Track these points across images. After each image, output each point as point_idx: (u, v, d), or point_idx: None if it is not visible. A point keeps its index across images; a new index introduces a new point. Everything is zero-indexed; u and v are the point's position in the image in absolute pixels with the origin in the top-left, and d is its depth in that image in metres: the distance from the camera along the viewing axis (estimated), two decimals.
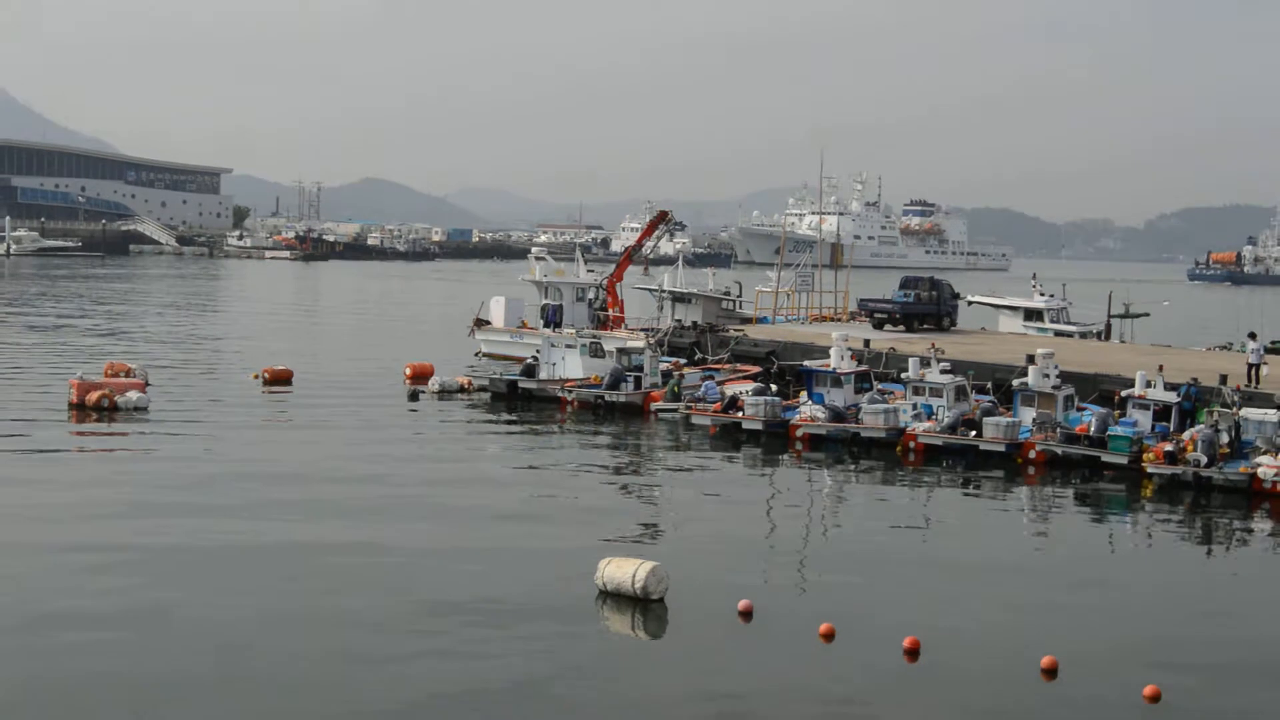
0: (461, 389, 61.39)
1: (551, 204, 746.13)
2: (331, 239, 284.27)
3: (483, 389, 61.32)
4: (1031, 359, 52.71)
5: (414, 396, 60.30)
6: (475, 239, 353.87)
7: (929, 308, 76.69)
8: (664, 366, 61.25)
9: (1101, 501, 43.67)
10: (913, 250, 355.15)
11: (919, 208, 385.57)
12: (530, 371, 62.33)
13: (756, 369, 62.82)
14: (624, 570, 28.84)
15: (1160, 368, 51.76)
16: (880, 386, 54.99)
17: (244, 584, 29.13)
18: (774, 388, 56.55)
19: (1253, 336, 57.06)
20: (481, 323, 78.13)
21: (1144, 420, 49.19)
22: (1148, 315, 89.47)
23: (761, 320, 79.80)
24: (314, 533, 34.09)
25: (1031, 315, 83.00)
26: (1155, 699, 23.86)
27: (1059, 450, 47.49)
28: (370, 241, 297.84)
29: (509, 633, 26.34)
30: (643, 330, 73.03)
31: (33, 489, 38.18)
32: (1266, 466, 43.33)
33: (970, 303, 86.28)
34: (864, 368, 57.01)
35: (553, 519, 37.05)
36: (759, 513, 40.18)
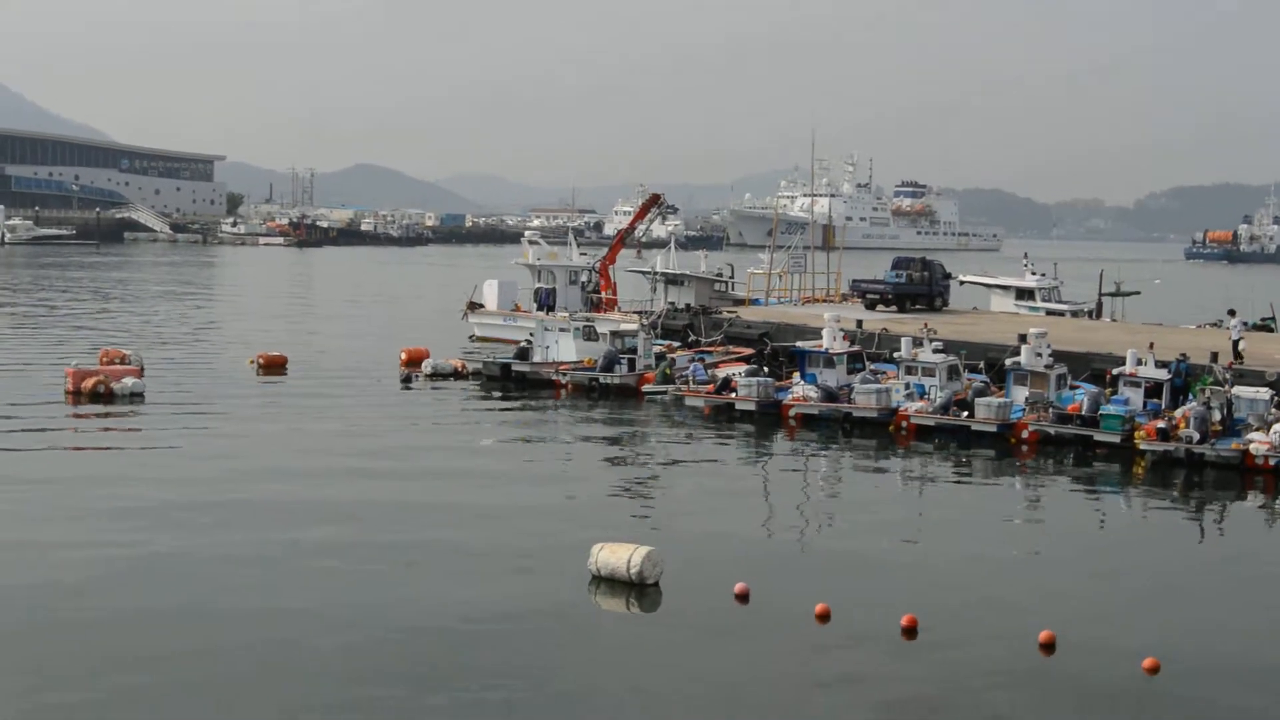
0: (455, 373, 61.48)
1: (544, 188, 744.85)
2: (325, 225, 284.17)
3: (476, 373, 61.40)
4: (1024, 338, 52.86)
5: (408, 381, 60.38)
6: (468, 224, 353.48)
7: (921, 288, 76.75)
8: (657, 349, 61.39)
9: (1094, 480, 43.83)
10: (904, 231, 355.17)
11: (910, 189, 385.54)
12: (524, 355, 62.43)
13: (750, 351, 62.93)
14: (619, 555, 28.88)
15: (1151, 345, 51.97)
16: (873, 367, 55.16)
17: (237, 568, 29.24)
18: (765, 370, 56.73)
19: (1232, 313, 57.19)
20: (475, 306, 78.19)
21: (1136, 398, 49.41)
22: (1138, 294, 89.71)
23: (754, 302, 79.88)
24: (310, 515, 34.13)
25: (1023, 294, 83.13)
26: (1154, 671, 24.04)
27: (1051, 429, 47.66)
28: (364, 227, 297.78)
29: (503, 618, 26.40)
30: (636, 313, 73.17)
31: (30, 480, 38.25)
32: (1258, 443, 43.54)
33: (962, 283, 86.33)
34: (856, 348, 57.14)
35: (546, 503, 37.04)
36: (753, 495, 40.30)
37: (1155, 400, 49.46)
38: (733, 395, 52.98)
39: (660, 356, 60.17)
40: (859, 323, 61.72)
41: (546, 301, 76.72)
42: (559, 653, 24.60)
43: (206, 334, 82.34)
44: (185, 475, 38.87)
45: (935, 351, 53.57)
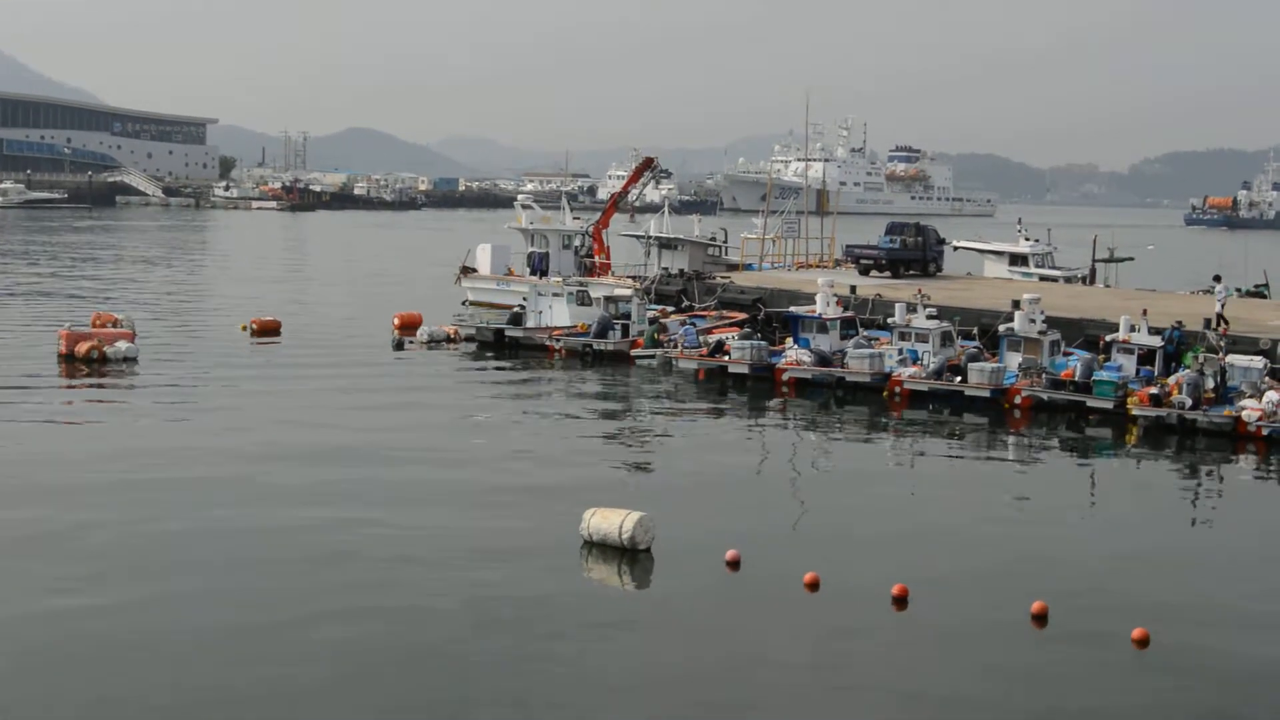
0: (449, 338, 61.41)
1: (537, 153, 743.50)
2: (318, 189, 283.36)
3: (470, 338, 61.34)
4: (1017, 304, 52.85)
5: (401, 346, 60.32)
6: (461, 188, 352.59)
7: (915, 253, 76.71)
8: (651, 314, 61.34)
9: (1087, 446, 43.91)
10: (898, 196, 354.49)
11: (904, 154, 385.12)
12: (517, 320, 62.34)
13: (743, 316, 62.88)
14: (610, 521, 28.92)
15: (1144, 312, 51.98)
16: (866, 332, 55.15)
17: (230, 539, 29.27)
18: (758, 335, 56.72)
19: (1217, 279, 57.16)
20: (468, 271, 78.08)
21: (1128, 364, 49.48)
22: (1132, 260, 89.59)
23: (748, 267, 79.80)
24: (302, 480, 34.22)
25: (1017, 260, 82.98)
26: (1144, 642, 24.08)
27: (1044, 395, 47.70)
28: (357, 191, 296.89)
29: (494, 583, 26.44)
30: (630, 277, 73.11)
31: (28, 443, 38.28)
32: (1250, 410, 43.60)
33: (956, 248, 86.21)
34: (850, 314, 57.14)
35: (539, 468, 37.09)
36: (746, 461, 40.30)
37: (1148, 367, 49.51)
38: (726, 359, 53.00)
39: (654, 321, 60.11)
40: (853, 288, 61.65)
41: (540, 266, 76.65)
42: (549, 618, 24.60)
43: (199, 298, 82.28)
44: (177, 440, 38.88)
45: (929, 317, 53.59)
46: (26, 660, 22.13)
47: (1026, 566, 28.99)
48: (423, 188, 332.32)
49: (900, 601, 25.93)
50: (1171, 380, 46.87)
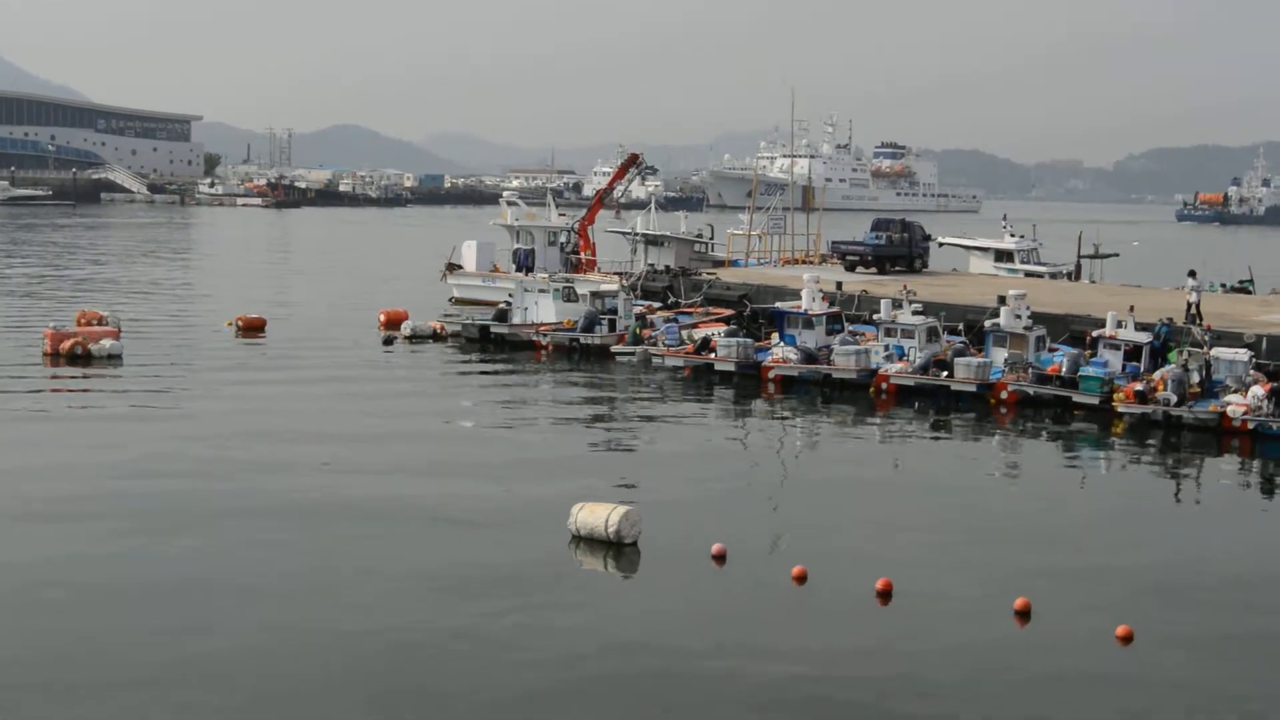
0: (435, 334, 61.33)
1: (523, 149, 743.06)
2: (303, 186, 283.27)
3: (456, 334, 61.26)
4: (1003, 300, 52.93)
5: (387, 343, 60.23)
6: (447, 184, 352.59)
7: (900, 250, 76.83)
8: (637, 310, 61.33)
9: (1072, 441, 43.96)
10: (884, 192, 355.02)
11: (890, 150, 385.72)
12: (503, 316, 62.29)
13: (729, 312, 62.88)
14: (597, 515, 28.92)
15: (1131, 308, 52.04)
16: (852, 328, 55.19)
17: (213, 537, 29.23)
18: (744, 331, 56.71)
19: (1192, 274, 57.34)
20: (454, 267, 78.03)
21: (1115, 360, 49.52)
22: (1117, 256, 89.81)
23: (734, 263, 79.85)
24: (288, 476, 34.16)
25: (1002, 256, 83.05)
26: (1127, 639, 24.08)
27: (1030, 391, 47.77)
28: (342, 188, 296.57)
29: (482, 578, 26.44)
30: (615, 274, 73.09)
31: (12, 443, 38.19)
32: (1235, 405, 43.67)
33: (941, 244, 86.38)
34: (836, 310, 57.16)
35: (526, 464, 37.05)
36: (732, 456, 40.32)
37: (1134, 363, 49.59)
38: (712, 356, 53.01)
39: (640, 318, 60.11)
40: (838, 284, 61.71)
41: (525, 262, 76.56)
42: (536, 612, 24.58)
43: (184, 296, 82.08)
44: (164, 437, 38.79)
45: (914, 313, 53.66)
46: None
47: (1010, 562, 29.02)
48: (408, 184, 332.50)
49: (885, 595, 25.95)
50: (1157, 376, 46.94)
